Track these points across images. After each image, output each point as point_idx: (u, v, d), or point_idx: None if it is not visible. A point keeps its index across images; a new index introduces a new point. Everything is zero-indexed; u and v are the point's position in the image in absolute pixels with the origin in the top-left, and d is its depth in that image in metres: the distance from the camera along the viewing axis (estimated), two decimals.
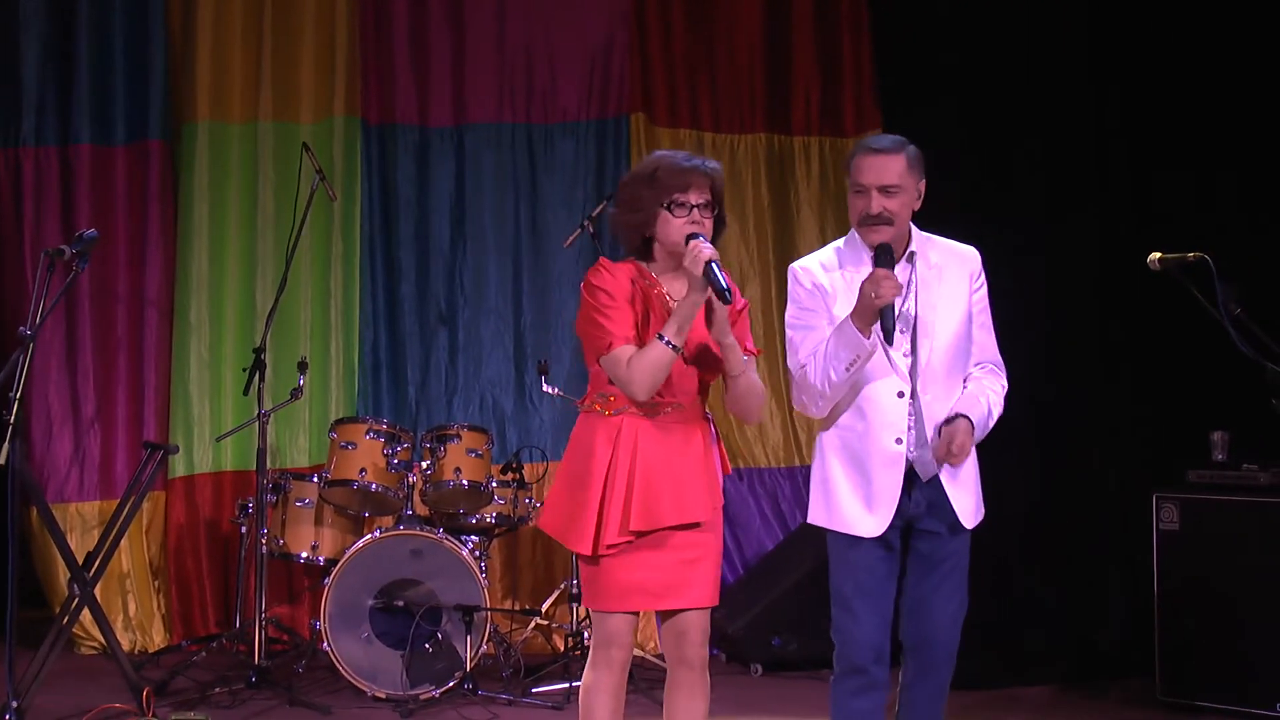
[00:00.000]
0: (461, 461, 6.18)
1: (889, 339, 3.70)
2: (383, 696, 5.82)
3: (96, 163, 7.03)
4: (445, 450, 6.19)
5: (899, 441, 3.80)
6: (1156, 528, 5.79)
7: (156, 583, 7.02)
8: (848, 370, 3.74)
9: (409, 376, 7.26)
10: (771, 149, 7.54)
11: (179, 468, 7.01)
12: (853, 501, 3.83)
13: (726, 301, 3.63)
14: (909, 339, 3.82)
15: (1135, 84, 6.52)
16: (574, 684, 5.70)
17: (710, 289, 3.61)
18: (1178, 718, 5.68)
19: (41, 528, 6.61)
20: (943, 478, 3.84)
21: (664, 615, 3.84)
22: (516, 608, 7.01)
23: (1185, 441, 5.99)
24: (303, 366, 6.32)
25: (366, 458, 6.11)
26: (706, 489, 3.77)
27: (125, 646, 6.48)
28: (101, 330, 7.05)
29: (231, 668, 6.13)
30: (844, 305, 3.80)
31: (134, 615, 6.89)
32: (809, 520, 3.97)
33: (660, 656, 6.22)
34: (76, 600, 5.53)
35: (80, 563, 5.59)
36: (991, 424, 3.90)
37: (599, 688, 3.77)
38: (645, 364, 3.64)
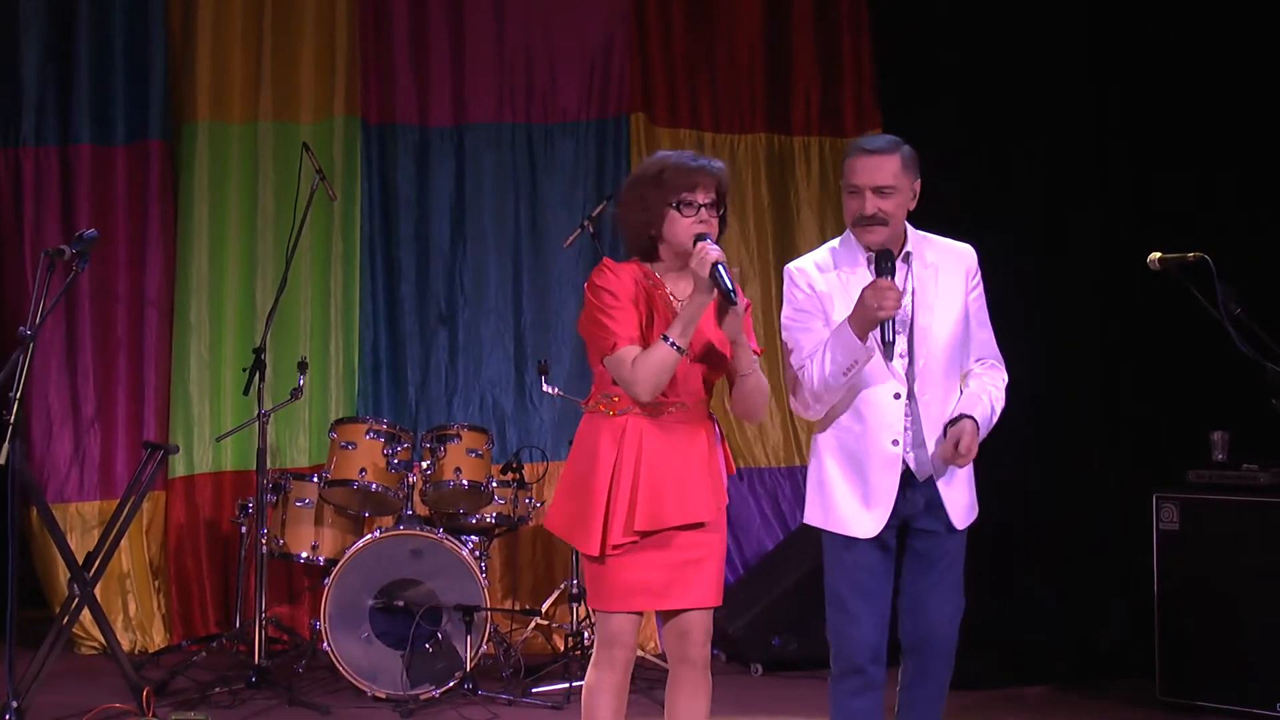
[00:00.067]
0: (461, 461, 6.18)
1: (888, 354, 3.69)
2: (383, 696, 5.82)
3: (96, 163, 7.02)
4: (445, 450, 6.19)
5: (896, 443, 3.80)
6: (1156, 528, 5.78)
7: (156, 583, 7.02)
8: (845, 375, 3.73)
9: (409, 376, 7.25)
10: (771, 149, 7.54)
11: (179, 468, 7.01)
12: (849, 502, 3.83)
13: (732, 303, 3.61)
14: (906, 340, 3.80)
15: (1135, 84, 6.53)
16: (574, 684, 5.71)
17: (716, 290, 3.60)
18: (1177, 718, 5.67)
19: (41, 528, 6.61)
20: (938, 477, 3.83)
21: (666, 615, 3.83)
22: (516, 608, 7.00)
23: (1185, 441, 5.98)
24: (303, 366, 6.32)
25: (366, 458, 6.11)
26: (711, 489, 3.76)
27: (125, 646, 6.48)
28: (101, 330, 7.04)
29: (231, 668, 6.12)
30: (839, 306, 3.79)
31: (134, 615, 6.88)
32: (805, 521, 3.97)
33: (660, 656, 6.23)
34: (76, 600, 5.52)
35: (80, 563, 5.59)
36: (995, 420, 3.89)
37: (602, 687, 3.76)
38: (650, 365, 3.64)
